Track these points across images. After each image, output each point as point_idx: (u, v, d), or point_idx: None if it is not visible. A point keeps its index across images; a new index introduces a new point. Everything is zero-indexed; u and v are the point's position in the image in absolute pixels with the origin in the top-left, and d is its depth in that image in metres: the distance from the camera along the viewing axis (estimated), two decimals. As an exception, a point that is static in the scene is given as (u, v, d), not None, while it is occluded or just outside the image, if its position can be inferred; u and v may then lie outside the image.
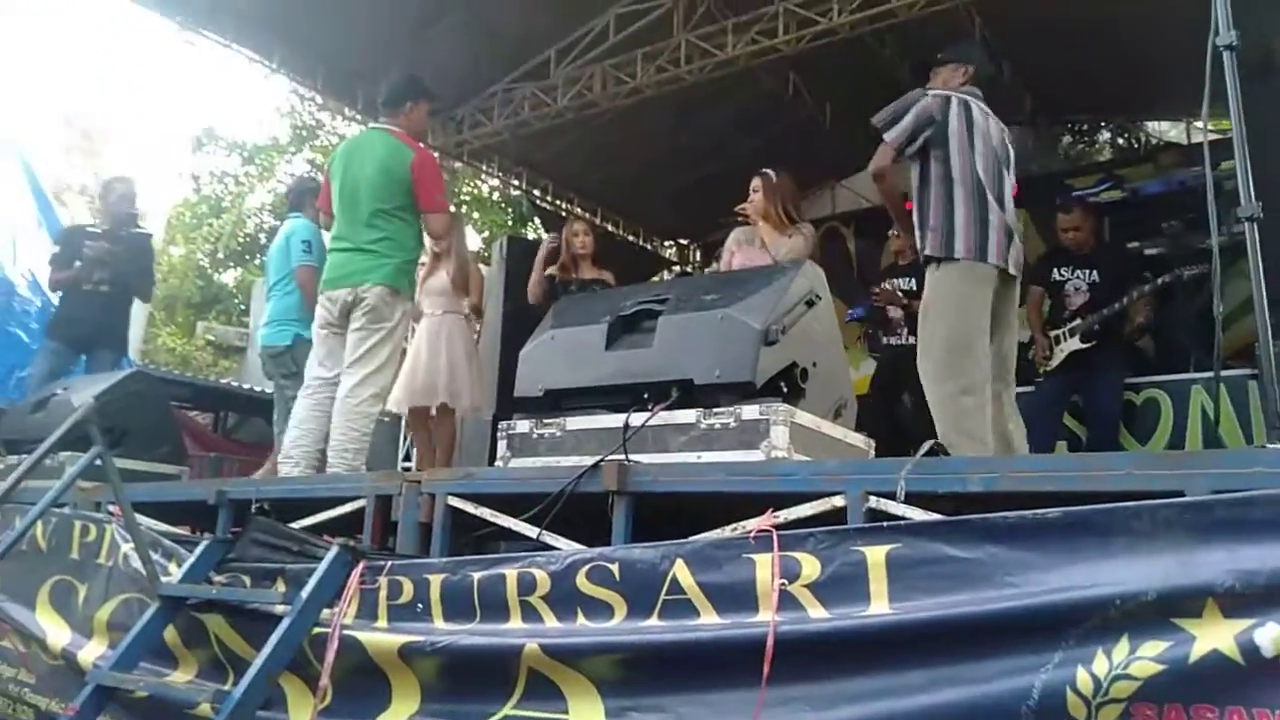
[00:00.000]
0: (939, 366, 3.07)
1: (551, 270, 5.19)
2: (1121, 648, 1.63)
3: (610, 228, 9.90)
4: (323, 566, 2.68)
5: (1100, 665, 1.64)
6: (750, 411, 2.29)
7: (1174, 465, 1.72)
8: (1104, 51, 7.73)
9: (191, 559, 3.03)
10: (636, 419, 2.40)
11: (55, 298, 5.59)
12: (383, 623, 2.63)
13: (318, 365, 3.93)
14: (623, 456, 2.37)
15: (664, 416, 2.42)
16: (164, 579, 3.07)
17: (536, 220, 10.91)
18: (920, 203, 3.39)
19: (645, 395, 2.47)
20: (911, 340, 5.84)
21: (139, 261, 5.61)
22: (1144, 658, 1.61)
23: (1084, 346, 5.30)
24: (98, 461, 2.85)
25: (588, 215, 9.07)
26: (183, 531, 3.56)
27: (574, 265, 5.17)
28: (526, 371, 2.77)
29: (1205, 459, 1.70)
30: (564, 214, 9.57)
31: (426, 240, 4.20)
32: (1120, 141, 9.23)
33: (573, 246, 5.17)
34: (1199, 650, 1.57)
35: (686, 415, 2.40)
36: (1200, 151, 7.42)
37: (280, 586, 2.91)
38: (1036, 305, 5.54)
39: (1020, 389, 4.26)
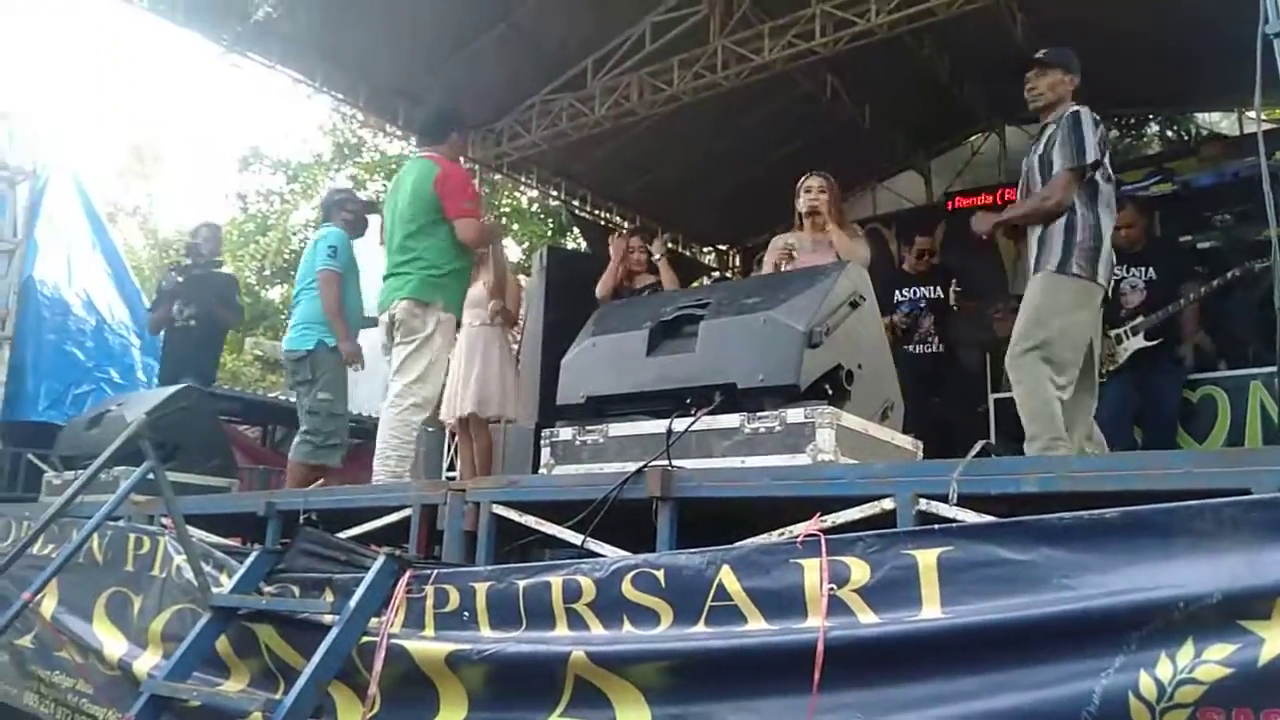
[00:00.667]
0: (1030, 376, 3.07)
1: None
2: (1186, 651, 1.58)
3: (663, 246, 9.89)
4: (370, 576, 2.69)
5: (1164, 669, 1.59)
6: (795, 415, 2.25)
7: (1237, 462, 1.66)
8: (1149, 44, 7.58)
9: (242, 570, 3.07)
10: (679, 424, 2.38)
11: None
12: (430, 631, 2.63)
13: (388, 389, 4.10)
14: (666, 462, 2.35)
15: (707, 421, 2.39)
16: (215, 590, 3.11)
17: (575, 230, 10.94)
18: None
19: (688, 400, 2.45)
20: (941, 348, 5.79)
21: (223, 294, 5.84)
22: (1210, 661, 1.56)
23: (1148, 345, 5.16)
24: (150, 475, 2.90)
25: (634, 223, 9.11)
26: (233, 543, 3.61)
27: (629, 278, 5.22)
28: (568, 379, 2.77)
29: (1271, 455, 1.63)
30: (603, 223, 9.61)
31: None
32: (1169, 134, 9.02)
33: (635, 260, 5.23)
34: (1269, 653, 1.51)
35: (730, 420, 2.37)
36: (1253, 142, 7.29)
37: (328, 596, 2.94)
38: None
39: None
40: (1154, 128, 9.19)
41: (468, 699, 2.51)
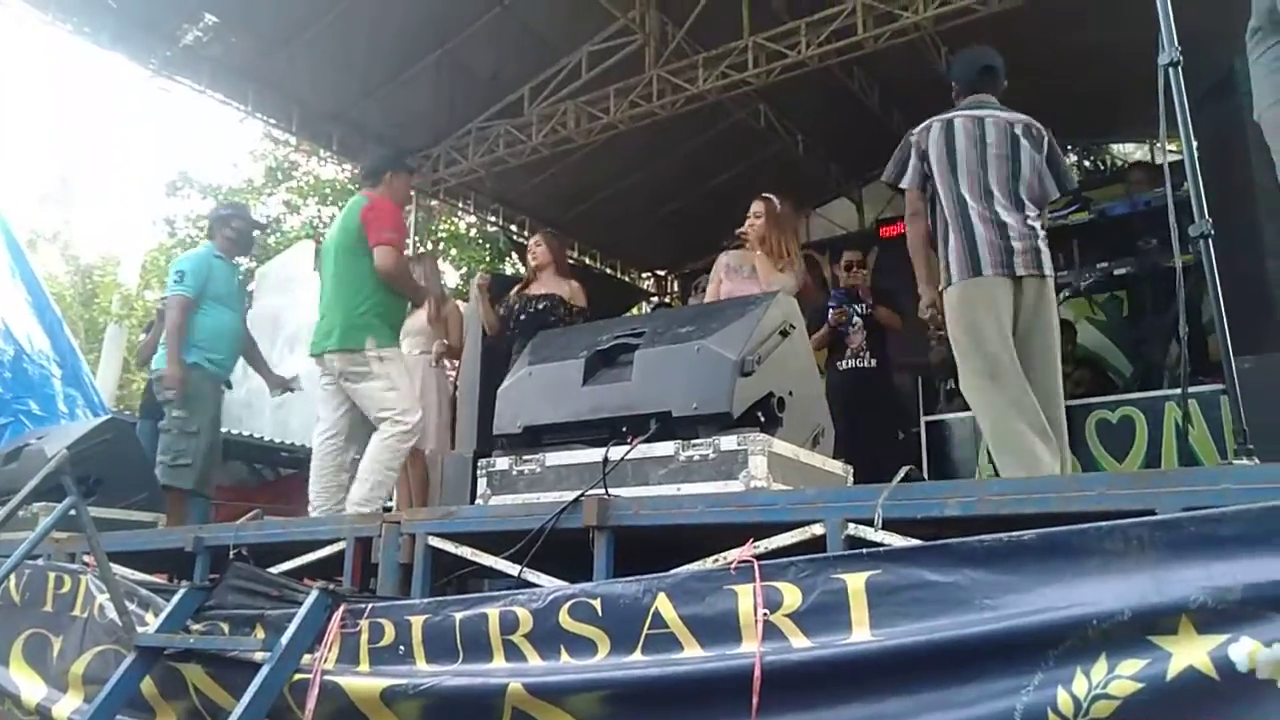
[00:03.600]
0: (975, 394, 3.09)
1: (510, 295, 5.12)
2: (1100, 667, 1.64)
3: (588, 260, 9.95)
4: (302, 611, 2.65)
5: (1080, 685, 1.65)
6: (728, 442, 2.29)
7: (1145, 484, 1.74)
8: (1066, 76, 7.91)
9: (169, 608, 2.98)
10: (615, 453, 2.40)
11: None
12: (365, 666, 2.59)
13: (320, 420, 4.12)
14: (602, 491, 2.36)
15: (643, 450, 2.42)
16: (140, 629, 3.02)
17: (514, 255, 10.94)
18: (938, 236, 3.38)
19: (624, 429, 2.47)
20: (874, 363, 5.90)
21: None
22: (1122, 676, 1.62)
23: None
24: (73, 511, 2.81)
25: (571, 249, 9.14)
26: (158, 580, 3.51)
27: (534, 278, 5.10)
28: (505, 408, 2.77)
29: (1175, 477, 1.72)
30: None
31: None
32: (1086, 164, 9.40)
33: (531, 260, 5.14)
34: (1175, 667, 1.58)
35: (665, 448, 2.40)
36: (1160, 173, 7.59)
37: (259, 633, 2.87)
38: None
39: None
40: (1071, 158, 9.56)
41: (403, 735, 2.47)
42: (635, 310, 9.79)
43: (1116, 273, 6.10)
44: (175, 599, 3.01)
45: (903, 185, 3.39)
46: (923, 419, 6.26)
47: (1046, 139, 3.55)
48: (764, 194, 4.49)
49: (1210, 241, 2.06)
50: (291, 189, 15.16)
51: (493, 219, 9.49)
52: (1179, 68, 2.07)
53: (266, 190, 15.20)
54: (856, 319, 5.77)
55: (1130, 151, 10.09)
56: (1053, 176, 3.53)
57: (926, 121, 3.51)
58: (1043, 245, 3.38)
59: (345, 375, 3.94)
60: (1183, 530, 1.62)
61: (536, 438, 2.68)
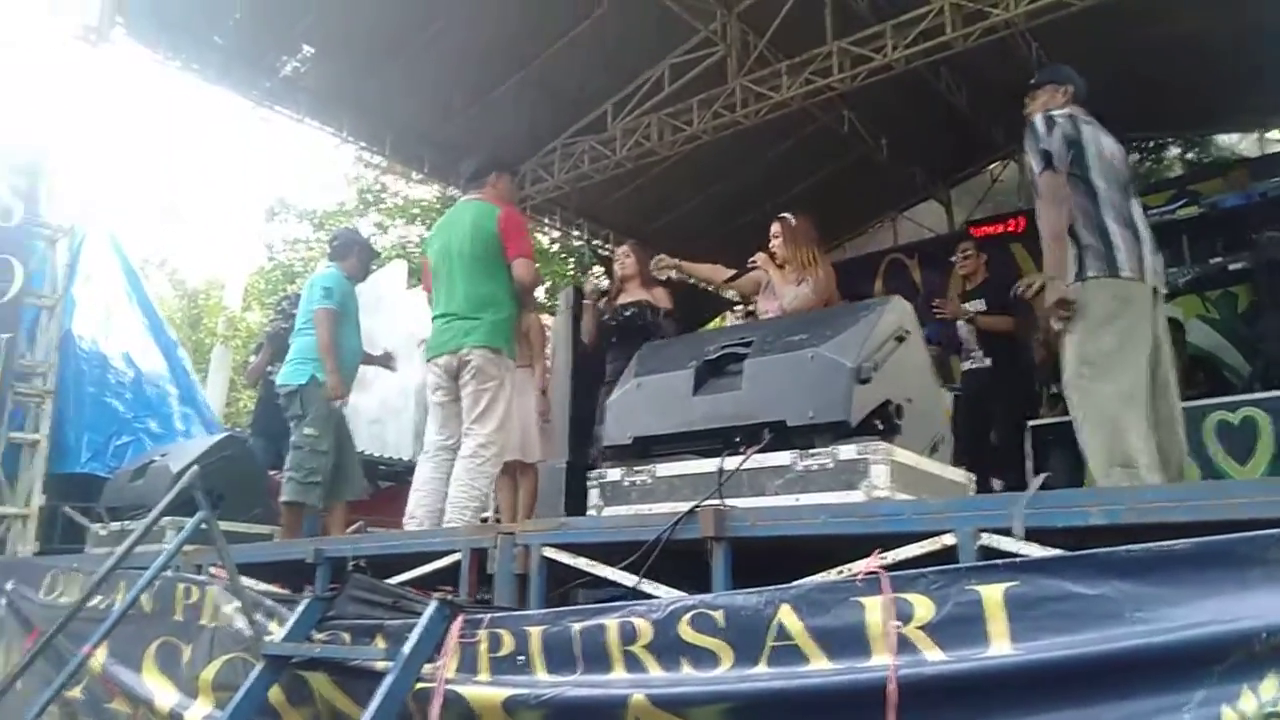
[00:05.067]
0: (1105, 409, 2.95)
1: (600, 305, 5.13)
2: (1271, 684, 1.56)
3: (673, 273, 9.94)
4: (423, 621, 2.70)
5: (1248, 703, 1.57)
6: (848, 451, 2.25)
7: (1309, 490, 1.65)
8: (1167, 67, 7.63)
9: (293, 618, 3.08)
10: (731, 463, 2.39)
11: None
12: (485, 676, 2.63)
13: (435, 431, 4.04)
14: (719, 501, 2.35)
15: (758, 460, 2.39)
16: (267, 638, 3.12)
17: (598, 269, 11.02)
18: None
19: (736, 439, 2.45)
20: (988, 362, 5.75)
21: None
22: (1295, 694, 1.54)
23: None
24: (204, 525, 2.92)
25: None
26: (282, 591, 3.62)
27: (622, 288, 5.13)
28: (614, 419, 2.78)
29: (1343, 481, 1.62)
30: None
31: None
32: (1189, 156, 9.03)
33: (618, 270, 5.17)
34: (1355, 685, 1.50)
35: (781, 457, 2.37)
36: (1276, 162, 7.25)
37: (380, 643, 2.93)
38: None
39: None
40: (1174, 151, 9.19)
41: (523, 742, 2.50)
42: (721, 320, 9.75)
43: (1231, 267, 5.83)
44: (299, 609, 3.09)
45: (1057, 166, 3.18)
46: (1029, 423, 6.05)
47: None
48: (781, 214, 4.55)
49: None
50: (382, 209, 15.60)
51: (577, 233, 9.58)
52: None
53: (358, 212, 15.68)
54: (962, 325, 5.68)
55: (1235, 142, 9.64)
56: None
57: (1067, 111, 3.37)
58: (1152, 258, 3.26)
59: (481, 374, 3.85)
60: (1358, 541, 1.53)
61: (647, 449, 2.68)
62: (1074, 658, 1.73)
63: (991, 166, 10.13)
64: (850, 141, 8.69)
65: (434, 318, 4.10)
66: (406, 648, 2.66)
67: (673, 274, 4.98)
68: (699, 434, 2.56)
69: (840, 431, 2.29)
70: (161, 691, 3.52)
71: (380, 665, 2.80)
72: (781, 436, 2.38)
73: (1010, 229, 8.84)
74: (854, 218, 10.42)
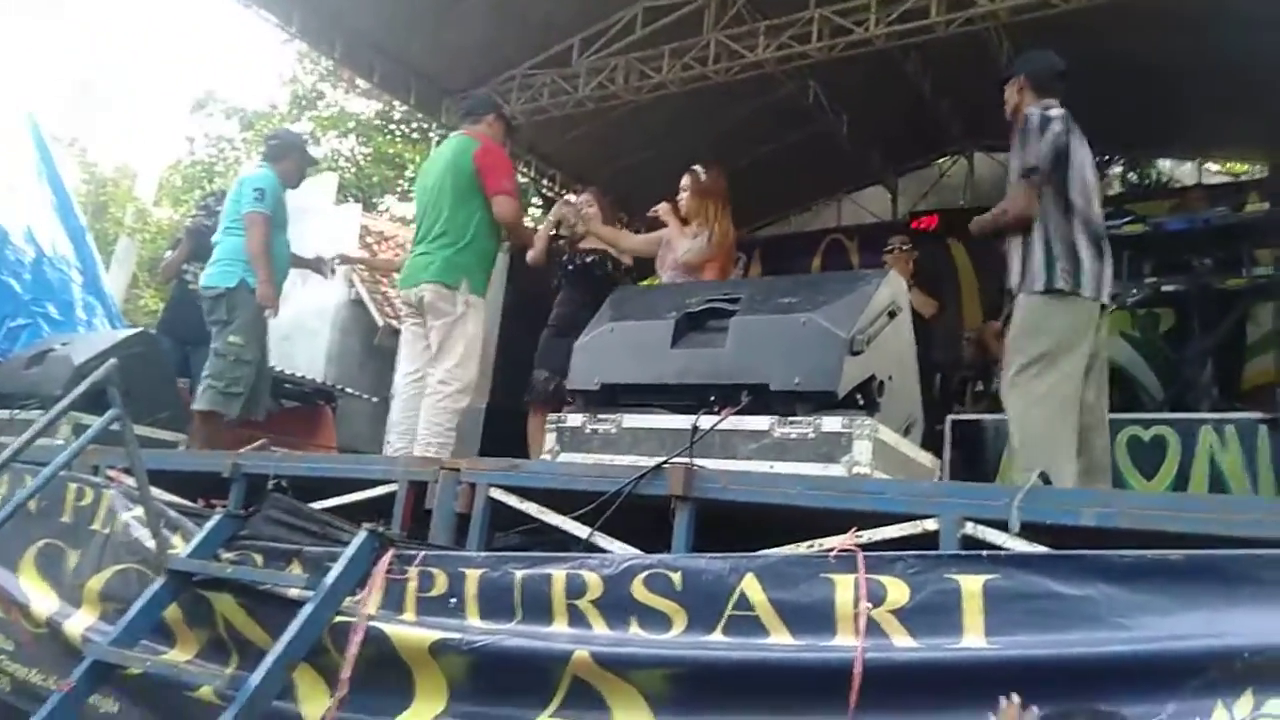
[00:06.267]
0: (1042, 410, 2.99)
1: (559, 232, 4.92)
2: (1245, 703, 1.54)
3: (617, 223, 9.77)
4: (350, 551, 2.54)
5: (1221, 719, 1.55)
6: (832, 423, 2.17)
7: (1313, 514, 1.64)
8: (1121, 88, 7.75)
9: (202, 533, 2.87)
10: (706, 421, 2.28)
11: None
12: (410, 615, 2.49)
13: (403, 362, 4.12)
14: (689, 460, 2.24)
15: (733, 422, 2.30)
16: (170, 552, 2.91)
17: (539, 210, 10.76)
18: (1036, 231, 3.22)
19: (712, 398, 2.35)
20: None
21: None
22: (1270, 715, 1.52)
23: None
24: (114, 425, 2.68)
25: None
26: (187, 503, 3.38)
27: (582, 235, 4.89)
28: (582, 363, 2.64)
29: (1348, 509, 1.61)
30: (569, 206, 9.44)
31: None
32: (1131, 177, 9.27)
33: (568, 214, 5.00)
34: (1333, 712, 1.49)
35: (759, 422, 2.28)
36: (1220, 192, 7.47)
37: (295, 569, 2.76)
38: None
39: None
40: (1116, 170, 9.40)
41: (448, 689, 2.38)
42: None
43: (1165, 289, 5.96)
44: (209, 525, 2.89)
45: (1041, 169, 3.16)
46: (950, 418, 6.14)
47: None
48: (693, 166, 4.50)
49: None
50: (315, 118, 14.87)
51: (524, 169, 9.28)
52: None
53: (291, 117, 14.91)
54: None
55: (1172, 168, 9.93)
56: None
57: (1059, 111, 3.33)
58: (1108, 273, 3.31)
59: (433, 310, 3.85)
60: (1356, 568, 1.51)
61: (614, 397, 2.56)
62: (1048, 657, 1.70)
63: (941, 160, 10.20)
64: (812, 114, 8.60)
65: (411, 250, 4.11)
66: (329, 577, 2.50)
67: (576, 230, 4.79)
68: (672, 388, 2.45)
69: (825, 402, 2.21)
70: (40, 596, 3.27)
71: (295, 593, 2.63)
72: (760, 400, 2.29)
73: (950, 225, 8.94)
74: (803, 193, 10.39)
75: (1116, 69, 7.39)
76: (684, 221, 4.34)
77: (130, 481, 3.06)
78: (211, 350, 4.42)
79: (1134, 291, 6.11)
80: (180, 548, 2.95)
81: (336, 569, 2.50)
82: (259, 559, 2.88)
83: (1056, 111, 3.28)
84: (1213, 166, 9.36)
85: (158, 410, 4.17)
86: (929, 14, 6.12)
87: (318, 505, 2.96)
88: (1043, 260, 3.14)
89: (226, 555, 2.92)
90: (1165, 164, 9.87)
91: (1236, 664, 1.55)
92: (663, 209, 4.43)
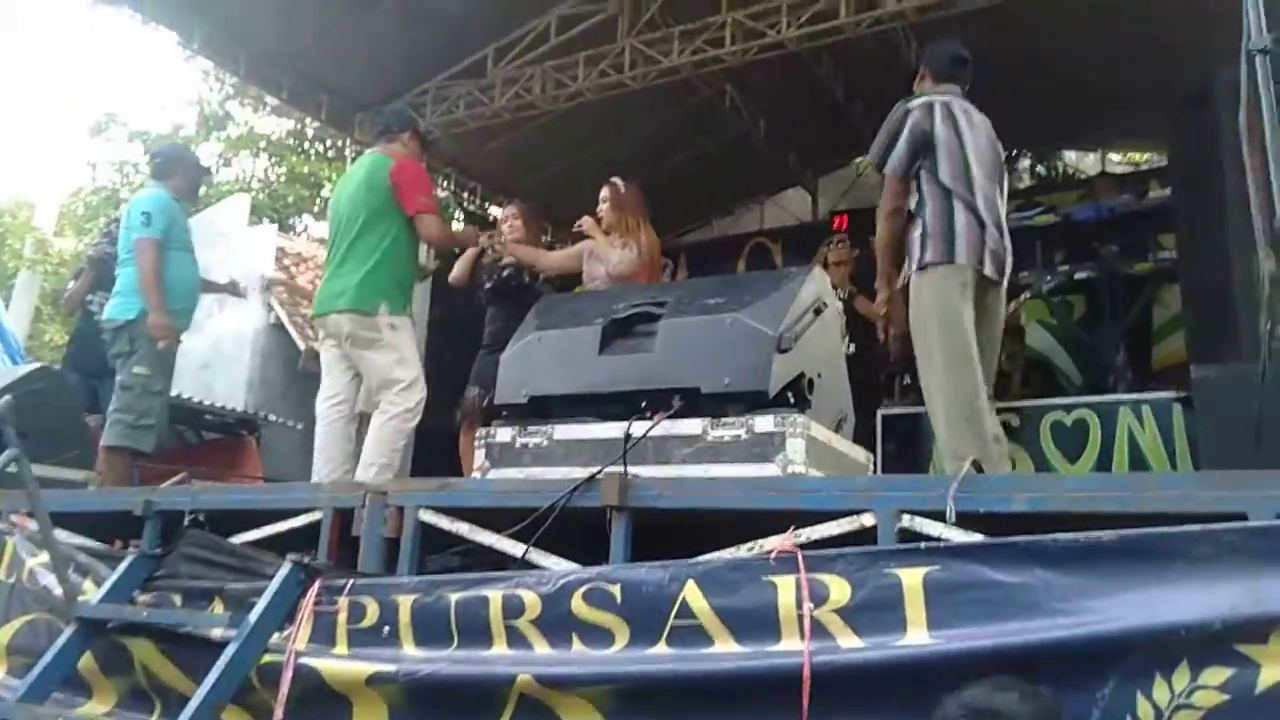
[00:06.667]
0: (946, 375, 2.99)
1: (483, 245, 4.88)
2: (1183, 675, 1.57)
3: (540, 234, 9.69)
4: (274, 585, 2.43)
5: (1161, 693, 1.57)
6: (764, 423, 2.15)
7: (1237, 487, 1.66)
8: (1026, 82, 7.99)
9: (114, 577, 2.73)
10: (639, 428, 2.23)
11: None
12: (342, 649, 2.40)
13: (324, 389, 3.88)
14: (623, 469, 2.20)
15: (665, 427, 2.26)
16: (80, 598, 2.75)
17: (461, 225, 10.60)
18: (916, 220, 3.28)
19: (643, 403, 2.31)
20: (853, 348, 5.85)
21: None
22: (1208, 686, 1.55)
23: None
24: (10, 467, 2.52)
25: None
26: (99, 545, 3.20)
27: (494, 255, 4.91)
28: (509, 375, 2.57)
29: (1270, 481, 1.64)
30: (492, 219, 9.32)
31: None
32: (1040, 169, 9.55)
33: (504, 227, 4.95)
34: (1265, 680, 1.52)
35: (691, 425, 2.24)
36: (1131, 181, 7.71)
37: (219, 608, 2.64)
38: None
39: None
40: (1025, 163, 9.68)
41: (388, 715, 2.29)
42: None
43: (1077, 276, 6.16)
44: (121, 567, 2.75)
45: (887, 173, 3.28)
46: (880, 412, 6.22)
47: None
48: (611, 179, 4.57)
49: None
50: (223, 139, 14.41)
51: (444, 184, 9.13)
52: (1267, 55, 1.98)
53: (199, 139, 14.41)
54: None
55: (1077, 160, 10.27)
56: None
57: (923, 99, 3.44)
58: (1008, 251, 3.41)
59: (354, 339, 3.71)
60: (1280, 538, 1.54)
61: (544, 409, 2.50)
62: (991, 647, 1.69)
63: (858, 160, 10.37)
64: (730, 119, 8.66)
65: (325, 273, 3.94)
66: (253, 615, 2.39)
67: (496, 250, 4.77)
68: (603, 396, 2.40)
69: (756, 402, 2.19)
70: (-57, 653, 3.07)
71: (219, 633, 2.51)
72: (692, 404, 2.25)
73: (872, 223, 9.07)
74: (725, 197, 10.44)
75: (1021, 65, 7.60)
76: (605, 233, 4.34)
77: (34, 526, 2.89)
78: (117, 384, 4.20)
79: (1048, 279, 6.30)
80: (92, 593, 2.80)
81: (260, 605, 2.40)
82: (178, 600, 2.74)
83: (918, 101, 3.38)
84: (1115, 157, 9.71)
85: (64, 448, 3.96)
86: (838, 15, 6.19)
87: (239, 539, 2.83)
88: (919, 242, 3.21)
89: (143, 598, 2.78)
90: (1070, 155, 10.21)
91: (1173, 638, 1.57)
92: (587, 223, 4.43)
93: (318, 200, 14.54)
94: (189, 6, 6.57)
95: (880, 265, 3.44)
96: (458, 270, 4.92)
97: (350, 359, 3.79)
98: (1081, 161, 10.17)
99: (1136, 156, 9.82)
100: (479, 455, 2.54)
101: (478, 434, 2.60)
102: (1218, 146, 4.36)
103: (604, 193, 4.50)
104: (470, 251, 4.85)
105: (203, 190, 5.14)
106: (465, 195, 9.17)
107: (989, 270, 3.28)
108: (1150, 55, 6.84)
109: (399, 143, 3.99)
